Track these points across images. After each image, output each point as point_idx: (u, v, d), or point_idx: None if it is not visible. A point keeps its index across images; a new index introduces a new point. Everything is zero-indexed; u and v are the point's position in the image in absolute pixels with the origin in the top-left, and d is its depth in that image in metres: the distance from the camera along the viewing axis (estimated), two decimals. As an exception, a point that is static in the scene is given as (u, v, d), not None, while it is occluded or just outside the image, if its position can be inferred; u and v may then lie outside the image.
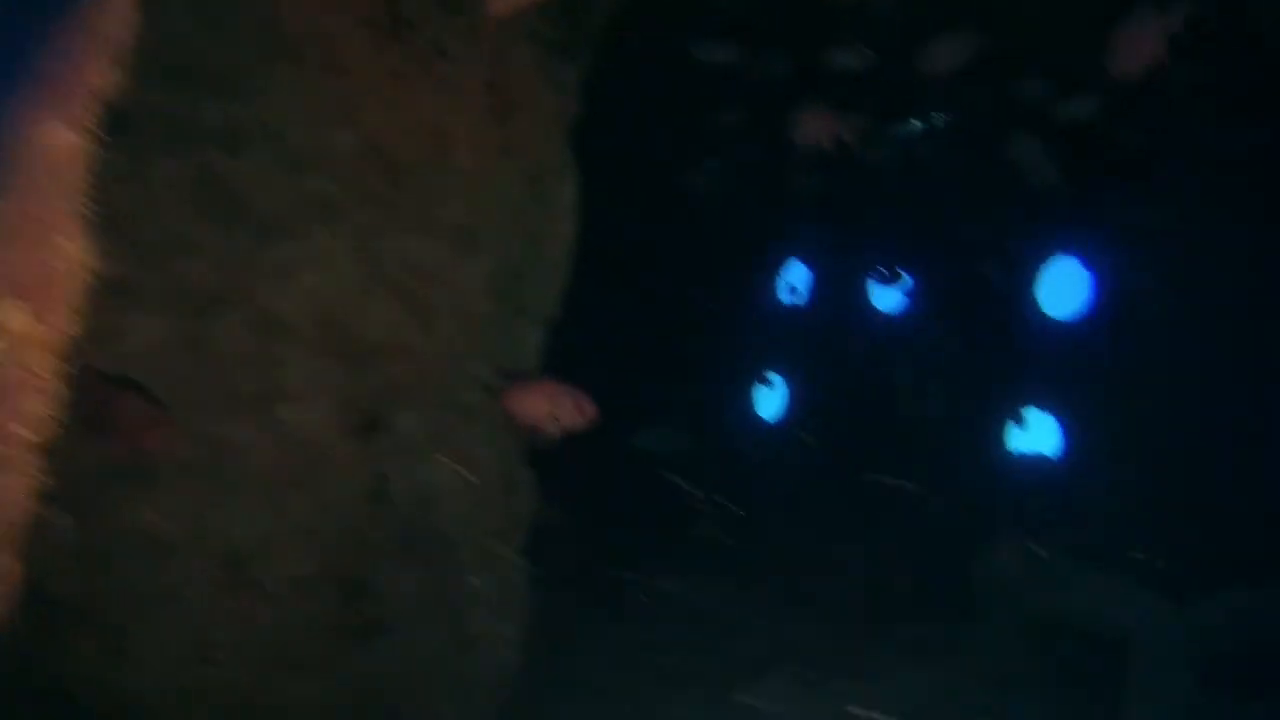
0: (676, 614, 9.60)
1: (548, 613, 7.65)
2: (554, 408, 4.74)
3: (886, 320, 14.75)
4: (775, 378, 15.86)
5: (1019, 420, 13.19)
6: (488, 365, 5.12)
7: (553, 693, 6.94)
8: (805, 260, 15.70)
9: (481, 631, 5.32)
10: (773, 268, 15.81)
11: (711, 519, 12.18)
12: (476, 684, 5.37)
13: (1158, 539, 7.47)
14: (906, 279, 14.50)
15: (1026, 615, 7.31)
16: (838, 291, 15.25)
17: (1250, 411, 8.44)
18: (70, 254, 2.42)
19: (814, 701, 6.85)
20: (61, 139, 2.41)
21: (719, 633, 9.13)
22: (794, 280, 15.87)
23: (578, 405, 4.76)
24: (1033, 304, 13.30)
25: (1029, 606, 7.19)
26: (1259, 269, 8.51)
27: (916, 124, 11.45)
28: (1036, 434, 12.97)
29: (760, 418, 15.89)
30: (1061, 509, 8.54)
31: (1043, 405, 12.93)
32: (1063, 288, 13.19)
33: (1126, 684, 6.61)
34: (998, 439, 13.22)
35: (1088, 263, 12.37)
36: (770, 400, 16.03)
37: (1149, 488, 8.05)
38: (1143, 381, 8.66)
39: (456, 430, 5.11)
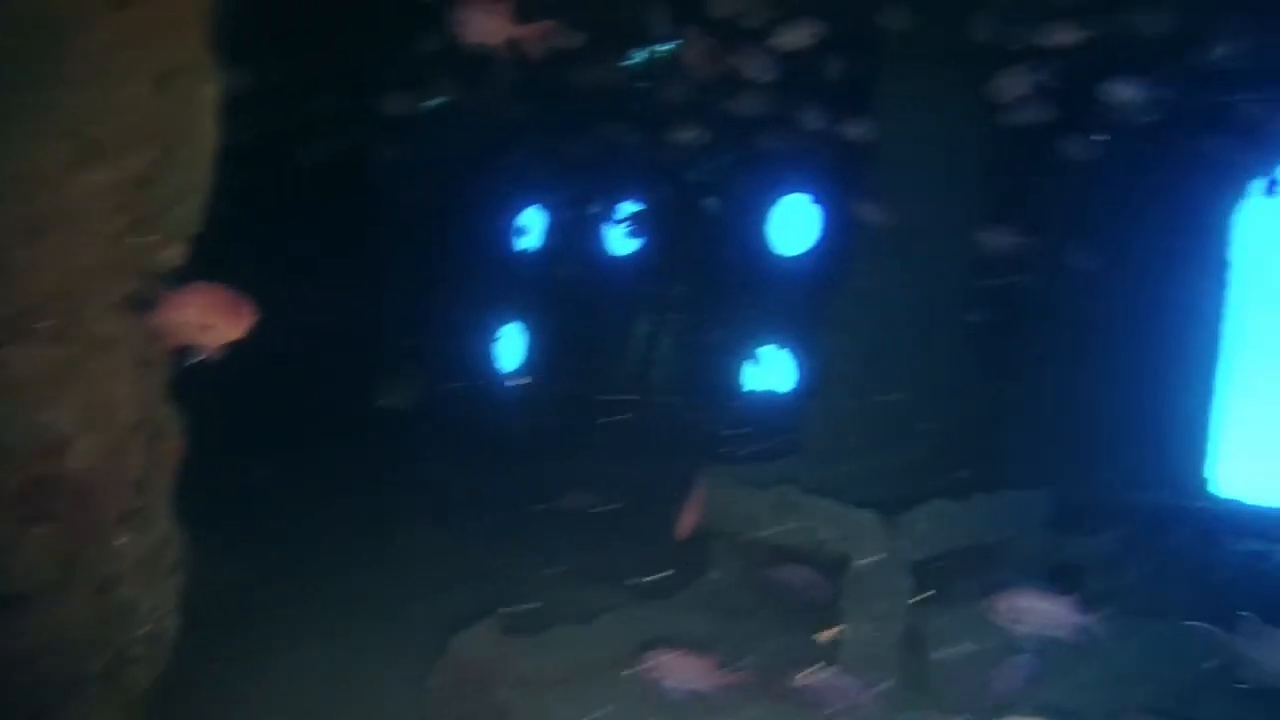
0: (395, 569, 9.11)
1: (225, 576, 7.07)
2: (207, 318, 4.03)
3: (618, 262, 14.57)
4: (511, 325, 15.53)
5: (753, 357, 13.39)
6: (119, 288, 4.36)
7: (225, 670, 6.36)
8: (536, 204, 15.38)
9: (130, 599, 4.59)
10: (501, 214, 15.42)
11: (448, 472, 11.68)
12: (128, 660, 4.65)
13: (869, 463, 7.56)
14: (641, 221, 14.35)
15: (749, 544, 7.17)
16: (569, 236, 14.98)
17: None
18: None
19: (532, 648, 6.50)
20: None
21: (433, 584, 8.68)
22: (524, 225, 15.52)
23: (235, 311, 4.07)
24: (763, 241, 13.45)
25: (750, 535, 7.05)
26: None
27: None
28: (769, 370, 13.16)
29: (499, 366, 15.55)
30: (785, 441, 8.50)
31: (776, 341, 13.13)
32: (793, 225, 13.44)
33: (845, 599, 6.59)
34: (732, 376, 13.36)
35: (817, 199, 12.58)
36: (508, 348, 15.68)
37: (861, 415, 8.15)
38: (859, 317, 8.71)
39: (83, 365, 4.34)
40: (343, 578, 8.82)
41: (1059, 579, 8.52)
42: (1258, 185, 10.46)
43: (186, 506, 4.93)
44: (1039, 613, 5.25)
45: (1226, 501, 10.28)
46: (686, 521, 6.56)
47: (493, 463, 11.89)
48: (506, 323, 15.62)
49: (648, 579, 7.54)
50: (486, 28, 5.02)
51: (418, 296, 14.47)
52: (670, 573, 7.40)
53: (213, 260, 4.56)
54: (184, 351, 4.19)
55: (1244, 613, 4.61)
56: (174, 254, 4.50)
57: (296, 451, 11.07)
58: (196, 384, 4.57)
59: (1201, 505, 10.07)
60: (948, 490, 7.08)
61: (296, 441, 11.27)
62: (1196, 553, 9.20)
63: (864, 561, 6.38)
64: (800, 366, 12.32)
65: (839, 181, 9.75)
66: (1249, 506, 10.14)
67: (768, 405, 12.33)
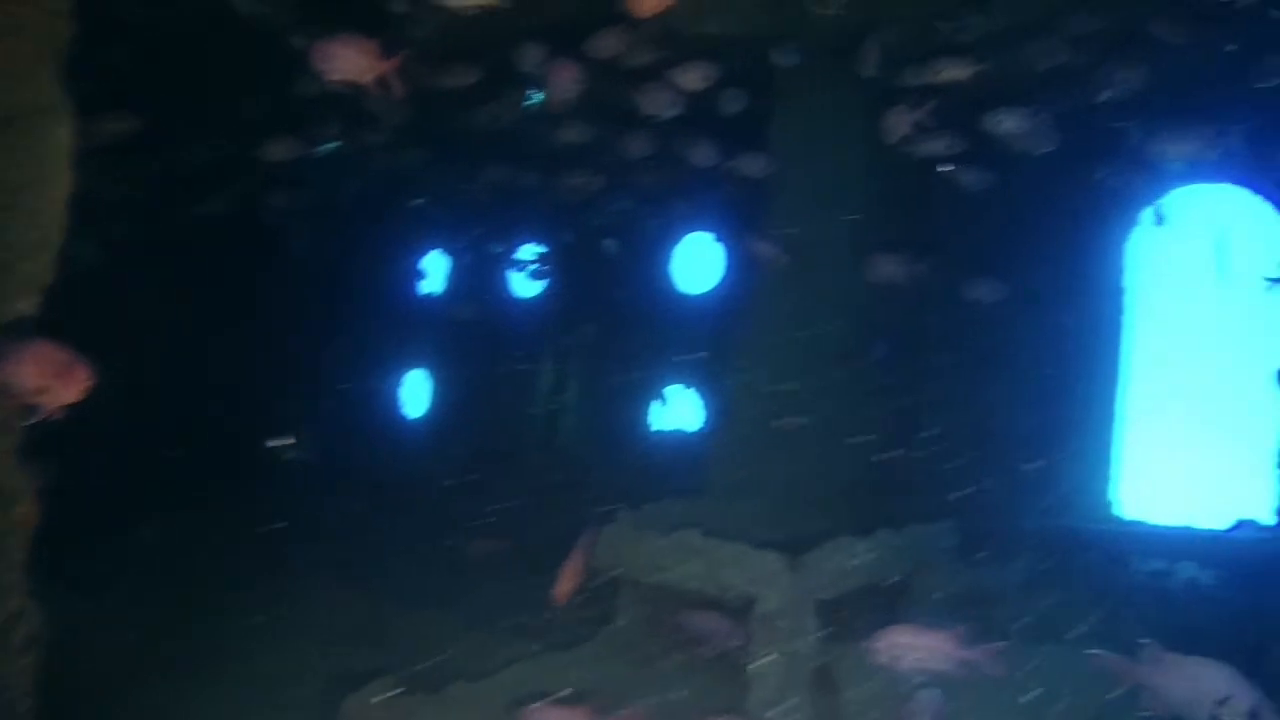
0: (291, 627, 8.76)
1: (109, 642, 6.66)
2: (43, 380, 3.75)
3: (522, 305, 14.37)
4: (416, 372, 15.21)
5: (660, 398, 13.24)
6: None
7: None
8: (438, 249, 15.13)
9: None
10: (401, 259, 15.14)
11: (349, 523, 11.33)
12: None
13: (774, 502, 7.46)
14: (543, 264, 14.18)
15: (655, 589, 6.99)
16: (472, 279, 14.76)
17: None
18: None
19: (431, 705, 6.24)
20: None
21: (330, 642, 8.35)
22: (425, 269, 15.25)
23: (74, 374, 3.80)
24: (667, 280, 13.36)
25: (655, 581, 6.87)
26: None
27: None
28: (677, 411, 13.03)
29: (402, 412, 15.20)
30: (690, 481, 8.37)
31: (683, 382, 13.01)
32: (696, 263, 13.37)
33: (753, 642, 6.44)
34: (639, 416, 13.20)
35: (719, 237, 12.52)
36: (413, 395, 15.34)
37: (765, 453, 8.06)
38: (758, 354, 8.64)
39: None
40: (236, 639, 8.43)
41: (970, 610, 8.56)
42: (1148, 213, 10.63)
43: (66, 571, 4.59)
44: (919, 649, 5.17)
45: (1130, 523, 10.37)
46: (565, 585, 6.36)
47: (395, 511, 11.57)
48: (409, 368, 15.30)
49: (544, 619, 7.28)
50: (352, 65, 4.84)
51: (316, 345, 14.10)
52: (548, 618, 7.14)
53: (88, 314, 4.28)
54: (27, 408, 3.90)
55: (1144, 640, 4.54)
56: (21, 307, 4.20)
57: (188, 509, 10.64)
58: (76, 444, 4.27)
59: (1107, 528, 10.13)
60: (854, 527, 6.99)
61: (188, 498, 10.84)
62: (1104, 576, 9.24)
63: (769, 603, 6.23)
64: (707, 405, 12.22)
65: (740, 219, 9.70)
66: (1152, 527, 10.25)
67: (675, 445, 12.20)
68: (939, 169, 8.56)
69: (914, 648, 5.16)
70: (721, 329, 9.72)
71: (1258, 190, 10.44)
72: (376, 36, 4.87)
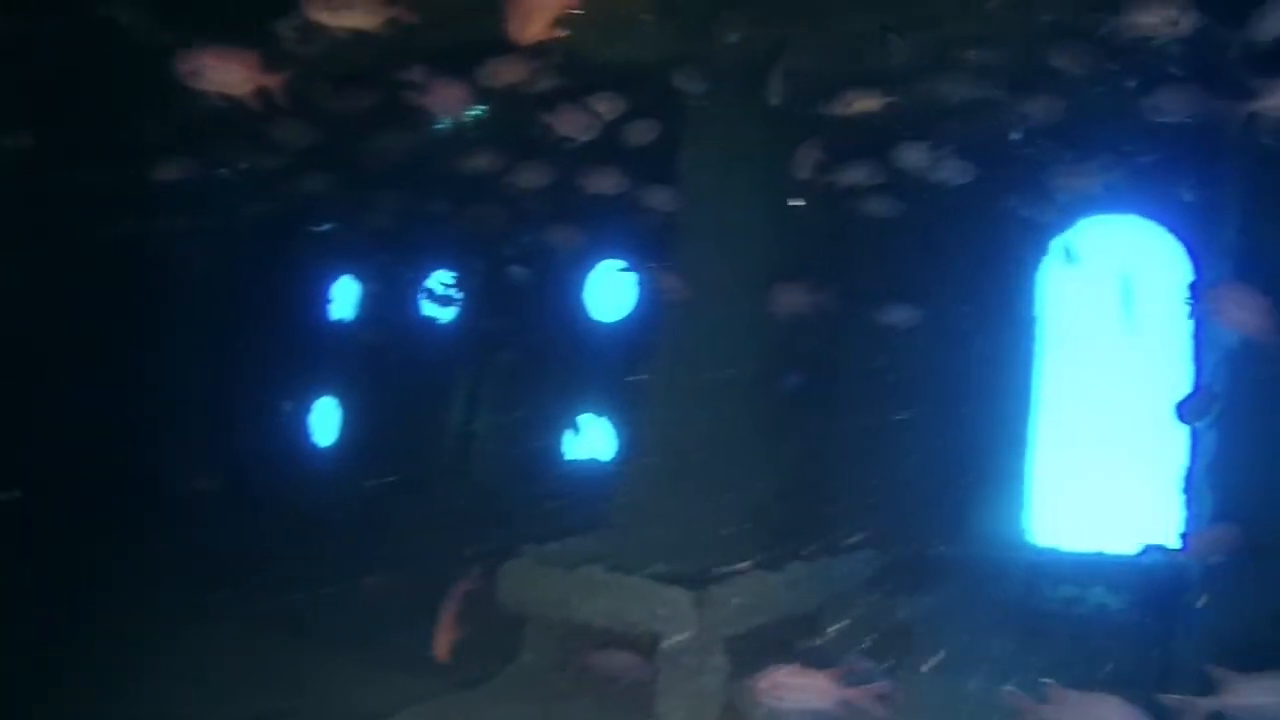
0: (181, 672, 8.40)
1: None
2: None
3: (433, 333, 14.09)
4: (325, 400, 14.84)
5: (573, 427, 13.05)
6: None
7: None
8: (346, 275, 14.82)
9: None
10: (308, 285, 14.80)
11: (248, 559, 10.92)
12: None
13: (682, 535, 7.33)
14: (457, 292, 13.95)
15: (561, 626, 6.80)
16: (381, 307, 14.47)
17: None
18: None
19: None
20: None
21: (223, 687, 8.02)
22: (333, 296, 14.93)
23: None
24: (580, 308, 13.21)
25: (560, 617, 6.68)
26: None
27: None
28: (590, 440, 12.84)
29: (310, 443, 14.81)
30: (603, 515, 8.20)
31: (595, 411, 12.84)
32: (609, 290, 13.23)
33: (660, 679, 6.28)
34: (551, 445, 12.99)
35: (634, 265, 12.39)
36: (321, 423, 14.97)
37: (675, 488, 7.93)
38: (667, 383, 8.52)
39: None
40: (120, 686, 8.03)
41: (883, 641, 8.50)
42: (1058, 249, 10.75)
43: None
44: (802, 689, 5.09)
45: (1043, 550, 10.41)
46: (443, 640, 6.15)
47: (300, 544, 11.20)
48: (317, 396, 14.92)
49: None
50: (225, 76, 4.62)
51: (218, 371, 13.70)
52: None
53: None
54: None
55: (1046, 680, 4.49)
56: None
57: (81, 542, 10.17)
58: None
59: (1020, 556, 10.15)
60: (764, 560, 6.88)
61: (82, 531, 10.37)
62: (1016, 603, 9.24)
63: (676, 640, 6.08)
64: (618, 435, 12.06)
65: (650, 248, 9.58)
66: (1063, 554, 10.29)
67: (587, 475, 12.00)
68: (790, 203, 8.58)
69: (797, 687, 5.09)
70: (633, 358, 9.57)
71: (1161, 222, 10.63)
72: (258, 50, 4.66)
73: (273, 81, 4.72)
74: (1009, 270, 10.78)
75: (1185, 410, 7.93)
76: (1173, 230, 10.48)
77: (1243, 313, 5.41)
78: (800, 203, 8.50)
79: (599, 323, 13.00)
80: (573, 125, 7.84)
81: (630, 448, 8.62)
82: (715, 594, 6.23)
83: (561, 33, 4.94)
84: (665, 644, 6.17)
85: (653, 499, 8.04)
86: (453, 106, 6.72)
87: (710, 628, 6.16)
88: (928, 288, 10.17)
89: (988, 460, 10.50)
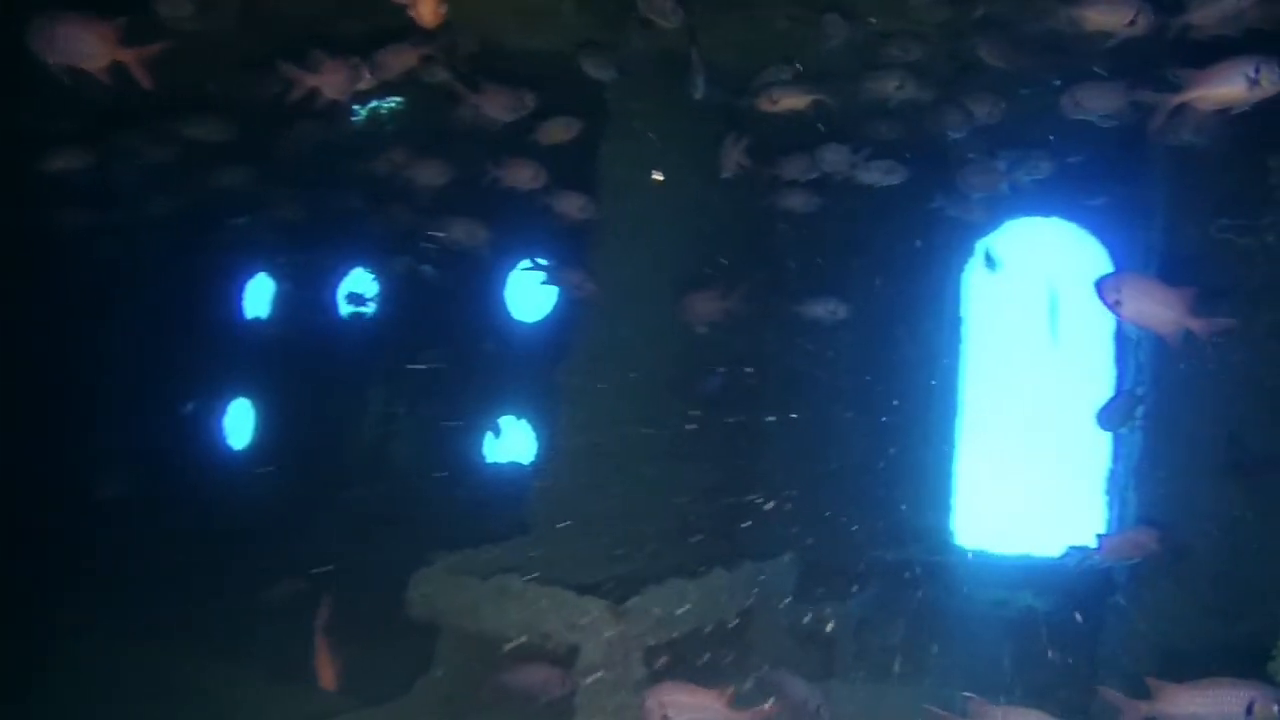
0: (84, 690, 7.96)
1: None
2: None
3: (351, 332, 13.64)
4: (244, 400, 14.32)
5: (494, 429, 12.73)
6: None
7: None
8: (261, 274, 14.31)
9: None
10: (222, 284, 14.26)
11: (156, 568, 10.43)
12: None
13: (601, 544, 7.08)
14: (373, 289, 13.54)
15: (475, 637, 6.50)
16: (301, 305, 13.97)
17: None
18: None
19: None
20: None
21: (124, 707, 7.60)
22: (250, 296, 14.42)
23: None
24: (503, 307, 12.87)
25: (474, 629, 6.38)
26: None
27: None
28: (510, 442, 12.52)
29: (222, 446, 14.28)
30: (522, 520, 7.89)
31: (516, 412, 12.52)
32: (531, 290, 12.91)
33: (578, 693, 6.02)
34: (472, 448, 12.64)
35: (551, 263, 12.05)
36: (238, 424, 14.46)
37: (593, 493, 7.68)
38: (585, 385, 8.25)
39: None
40: (13, 702, 7.59)
41: (809, 648, 8.34)
42: (981, 254, 10.70)
43: None
44: (689, 708, 5.04)
45: (970, 553, 10.35)
46: (325, 672, 5.86)
47: (209, 552, 10.75)
48: (230, 397, 14.39)
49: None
50: (78, 48, 4.22)
51: (124, 375, 13.15)
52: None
53: None
54: None
55: (968, 694, 4.33)
56: None
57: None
58: None
59: (947, 559, 10.08)
60: (685, 566, 6.65)
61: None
62: (944, 608, 9.14)
63: (593, 653, 5.82)
64: (539, 437, 11.75)
65: (575, 247, 9.29)
66: (990, 556, 10.24)
67: (508, 478, 11.67)
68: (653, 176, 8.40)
69: (684, 706, 5.03)
70: (555, 359, 9.31)
71: (1084, 225, 10.61)
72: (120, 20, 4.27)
73: (133, 57, 4.32)
74: (935, 271, 10.72)
75: (1106, 416, 7.84)
76: (1096, 233, 10.54)
77: (1145, 305, 5.27)
78: (659, 176, 8.25)
79: (520, 322, 12.70)
80: (498, 107, 7.53)
81: (549, 451, 8.30)
82: (634, 605, 5.98)
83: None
84: (583, 657, 5.89)
85: (572, 504, 7.77)
86: (343, 88, 6.34)
87: (629, 639, 5.90)
88: (853, 287, 10.03)
89: (914, 462, 10.41)
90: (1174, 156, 7.43)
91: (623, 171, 8.11)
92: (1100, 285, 5.20)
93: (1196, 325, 5.18)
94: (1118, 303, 5.20)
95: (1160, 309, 5.24)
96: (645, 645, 6.05)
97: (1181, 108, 5.32)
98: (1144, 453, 7.38)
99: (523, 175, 8.02)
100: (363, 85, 6.41)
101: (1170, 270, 7.39)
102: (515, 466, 12.24)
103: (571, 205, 8.15)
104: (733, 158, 7.69)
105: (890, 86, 7.70)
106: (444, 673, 6.89)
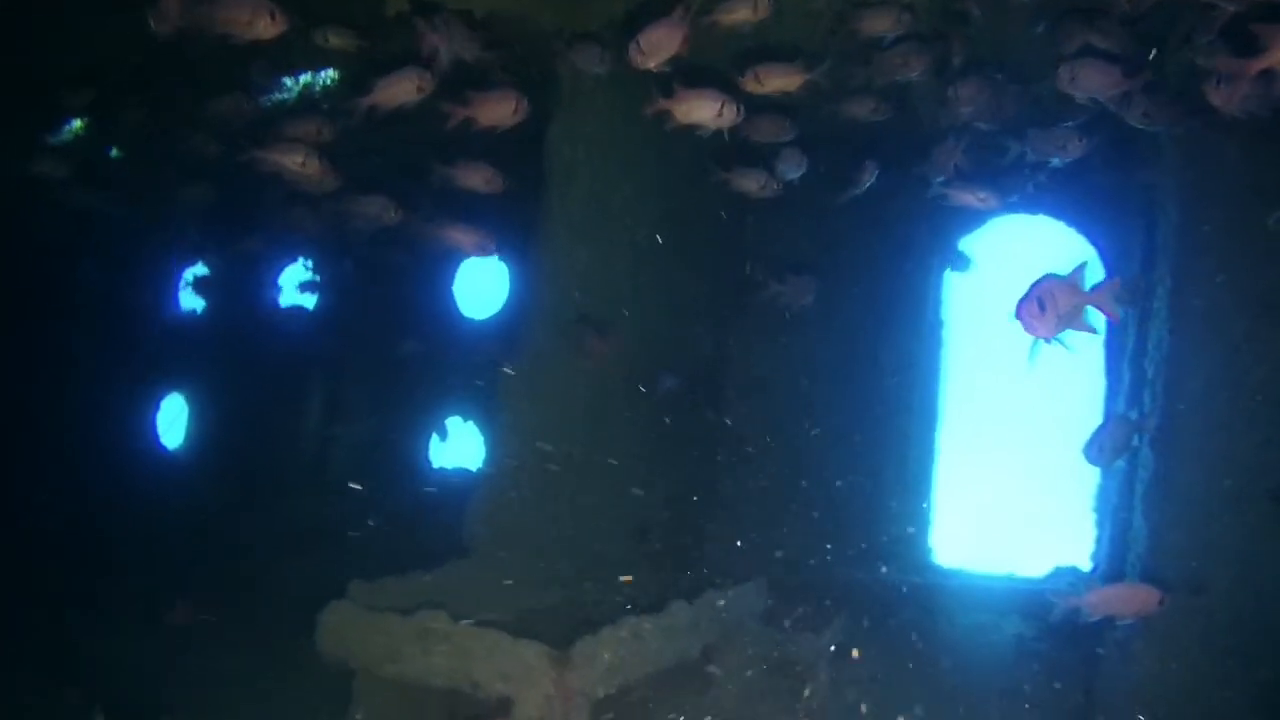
0: None
1: None
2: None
3: (287, 330, 12.64)
4: (177, 395, 13.32)
5: (440, 432, 11.85)
6: None
7: None
8: (189, 266, 13.29)
9: None
10: (146, 277, 13.22)
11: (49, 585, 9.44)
12: None
13: (545, 572, 6.20)
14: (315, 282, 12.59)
15: (393, 685, 5.59)
16: (237, 298, 12.95)
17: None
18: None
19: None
20: None
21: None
22: (176, 290, 13.41)
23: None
24: (450, 304, 11.98)
25: (393, 674, 5.47)
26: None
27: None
28: (458, 447, 11.60)
29: (149, 449, 13.25)
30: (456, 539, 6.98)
31: (464, 415, 11.62)
32: (481, 287, 12.04)
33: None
34: (416, 452, 11.73)
35: (505, 257, 11.22)
36: (171, 420, 13.45)
37: (536, 510, 6.79)
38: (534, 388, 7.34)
39: None
40: None
41: (781, 683, 7.56)
42: (954, 254, 10.01)
43: None
44: None
45: (951, 573, 9.61)
46: None
47: (125, 570, 9.80)
48: (160, 395, 13.39)
49: None
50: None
51: (46, 372, 12.13)
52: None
53: None
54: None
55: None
56: None
57: None
58: None
59: (926, 580, 9.32)
60: (641, 598, 5.78)
61: None
62: (925, 633, 8.40)
63: (530, 707, 4.94)
64: (485, 444, 10.84)
65: (523, 236, 8.40)
66: (972, 577, 9.52)
67: (455, 487, 10.75)
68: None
69: None
70: (503, 358, 8.45)
71: (1071, 223, 9.91)
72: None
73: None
74: (914, 273, 9.94)
75: (1096, 449, 6.53)
76: (1085, 232, 9.89)
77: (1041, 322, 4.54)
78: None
79: (470, 319, 11.79)
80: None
81: (489, 462, 7.36)
82: (579, 650, 5.08)
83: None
84: (518, 712, 5.00)
85: (513, 523, 6.88)
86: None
87: (574, 691, 5.01)
88: (828, 288, 9.25)
89: (891, 475, 9.62)
90: (1188, 141, 6.68)
91: (572, 150, 7.14)
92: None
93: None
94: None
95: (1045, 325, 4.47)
96: (594, 698, 5.16)
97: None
98: (1155, 477, 6.57)
99: (476, 178, 7.22)
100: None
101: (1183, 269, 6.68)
102: (463, 474, 11.32)
103: (477, 177, 7.27)
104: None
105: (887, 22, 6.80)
106: (362, 717, 5.96)
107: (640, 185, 7.54)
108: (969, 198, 7.56)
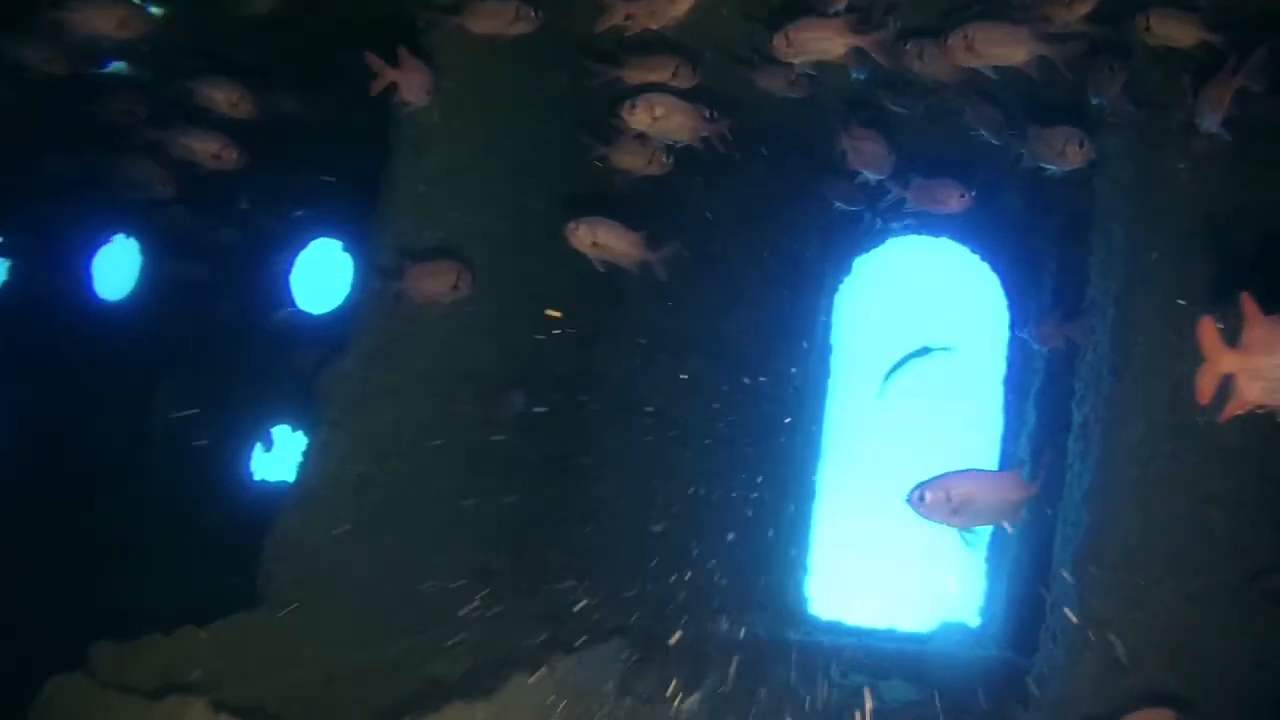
0: None
1: None
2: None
3: (93, 315, 11.04)
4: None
5: (265, 441, 10.61)
6: None
7: None
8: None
9: None
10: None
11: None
12: None
13: (353, 630, 4.94)
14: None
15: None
16: (41, 281, 11.29)
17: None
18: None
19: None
20: None
21: None
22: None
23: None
24: (285, 295, 10.65)
25: None
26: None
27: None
28: (283, 456, 10.27)
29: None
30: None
31: (292, 423, 10.30)
32: (321, 276, 10.78)
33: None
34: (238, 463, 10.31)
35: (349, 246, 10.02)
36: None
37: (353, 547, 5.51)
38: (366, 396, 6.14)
39: None
40: None
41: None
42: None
43: None
44: None
45: (829, 627, 8.77)
46: None
47: None
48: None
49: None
50: None
51: None
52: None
53: None
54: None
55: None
56: None
57: None
58: None
59: (802, 636, 8.44)
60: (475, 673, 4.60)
61: None
62: (800, 695, 7.41)
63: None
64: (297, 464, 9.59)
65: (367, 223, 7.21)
66: (851, 631, 8.71)
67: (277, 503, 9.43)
68: None
69: None
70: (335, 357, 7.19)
71: (974, 248, 9.40)
72: None
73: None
74: (803, 293, 9.06)
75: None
76: (988, 259, 9.28)
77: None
78: None
79: (308, 313, 10.48)
80: None
81: (298, 486, 6.03)
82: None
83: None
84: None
85: (331, 560, 5.60)
86: None
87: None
88: (707, 304, 8.52)
89: (767, 518, 8.67)
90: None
91: (426, 114, 5.88)
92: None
93: None
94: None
95: None
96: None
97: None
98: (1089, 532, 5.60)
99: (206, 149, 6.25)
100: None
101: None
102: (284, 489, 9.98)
103: (206, 147, 6.35)
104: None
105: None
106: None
107: (504, 164, 6.35)
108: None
